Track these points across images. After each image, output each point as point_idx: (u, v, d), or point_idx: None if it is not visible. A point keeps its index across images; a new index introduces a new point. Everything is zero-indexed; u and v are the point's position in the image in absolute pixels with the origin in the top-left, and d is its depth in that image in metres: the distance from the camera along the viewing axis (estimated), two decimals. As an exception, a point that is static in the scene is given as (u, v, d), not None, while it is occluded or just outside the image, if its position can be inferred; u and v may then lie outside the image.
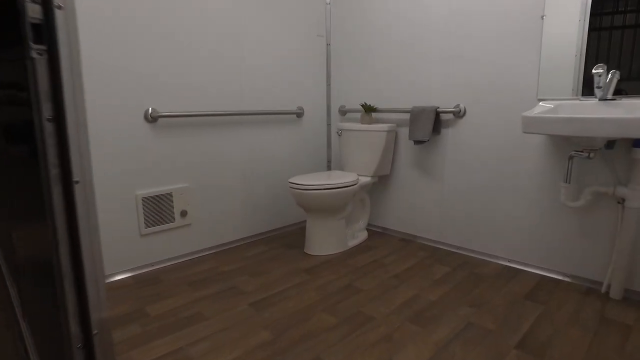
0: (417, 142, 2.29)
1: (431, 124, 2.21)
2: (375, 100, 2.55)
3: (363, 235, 2.53)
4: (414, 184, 2.45)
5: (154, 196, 2.05)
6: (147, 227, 2.05)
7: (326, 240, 2.28)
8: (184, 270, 2.08)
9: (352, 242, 2.41)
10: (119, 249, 1.98)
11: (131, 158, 1.96)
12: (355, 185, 2.26)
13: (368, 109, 2.47)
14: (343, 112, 2.75)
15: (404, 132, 2.45)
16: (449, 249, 2.34)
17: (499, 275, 1.99)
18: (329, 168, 2.93)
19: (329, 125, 2.86)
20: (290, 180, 2.20)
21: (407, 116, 2.42)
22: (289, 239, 2.56)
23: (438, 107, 2.21)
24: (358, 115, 2.69)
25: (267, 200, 2.56)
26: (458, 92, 2.18)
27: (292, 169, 2.68)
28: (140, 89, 1.94)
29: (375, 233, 2.65)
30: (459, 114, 2.19)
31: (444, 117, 2.26)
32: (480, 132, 2.12)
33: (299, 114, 2.64)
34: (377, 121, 2.58)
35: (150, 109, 1.98)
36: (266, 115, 2.46)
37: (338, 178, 2.22)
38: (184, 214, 2.17)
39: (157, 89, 2.00)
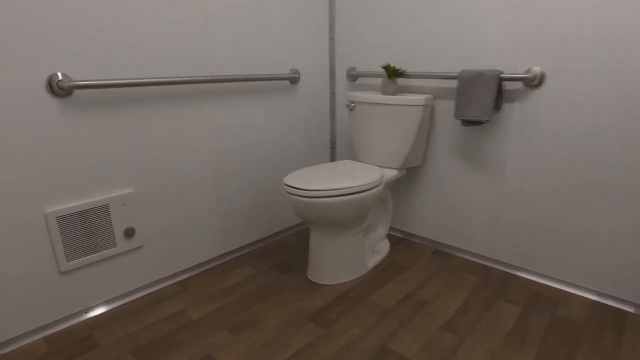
0: (468, 122, 1.60)
1: (491, 97, 1.51)
2: (401, 61, 1.82)
3: (384, 247, 1.88)
4: (457, 180, 1.78)
5: (76, 213, 1.32)
6: (69, 260, 1.33)
7: (338, 263, 1.61)
8: (132, 320, 1.39)
9: (372, 261, 1.75)
10: (24, 298, 1.26)
11: (30, 156, 1.20)
12: (379, 187, 1.58)
13: (393, 73, 1.74)
14: (353, 76, 2.01)
15: (444, 106, 1.75)
16: (505, 269, 1.71)
17: (595, 319, 1.39)
18: (332, 154, 2.22)
19: (332, 94, 2.12)
20: (286, 181, 1.49)
21: (449, 84, 1.71)
22: (283, 253, 1.88)
23: (502, 72, 1.51)
24: (374, 81, 1.95)
25: (250, 201, 1.86)
26: (531, 48, 1.47)
27: (283, 157, 1.96)
28: (38, 42, 1.16)
29: (399, 241, 2.00)
30: (532, 82, 1.49)
31: (508, 86, 1.56)
32: (567, 109, 1.44)
33: (293, 79, 1.88)
34: (404, 90, 1.86)
35: (58, 74, 1.21)
36: (246, 82, 1.71)
37: (354, 176, 1.53)
38: (129, 233, 1.45)
39: (69, 43, 1.21)
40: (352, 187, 1.45)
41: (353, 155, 2.16)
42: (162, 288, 1.58)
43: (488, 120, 1.54)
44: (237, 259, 1.82)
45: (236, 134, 1.72)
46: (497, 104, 1.56)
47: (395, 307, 1.46)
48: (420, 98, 1.63)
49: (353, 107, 1.81)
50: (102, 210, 1.37)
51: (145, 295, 1.53)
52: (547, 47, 1.44)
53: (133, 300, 1.50)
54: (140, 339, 1.30)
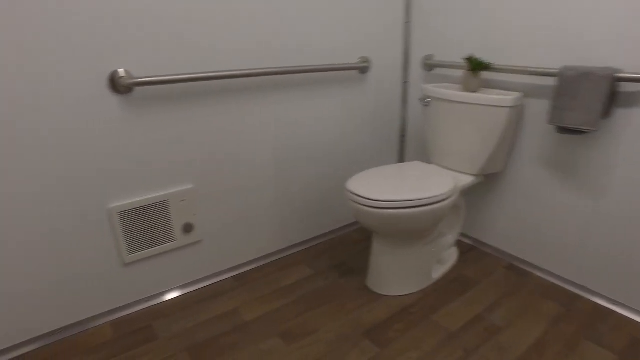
0: (566, 130, 1.36)
1: (601, 102, 1.26)
2: (487, 51, 1.59)
3: (452, 257, 1.72)
4: (543, 193, 1.55)
5: (137, 208, 1.33)
6: (131, 252, 1.36)
7: (401, 274, 1.50)
8: (189, 314, 1.40)
9: (438, 272, 1.61)
10: (92, 286, 1.31)
11: (92, 153, 1.21)
12: (453, 197, 1.41)
13: (477, 66, 1.53)
14: (429, 66, 1.81)
15: (536, 106, 1.50)
16: (595, 300, 1.48)
17: None
18: (401, 150, 2.05)
19: (405, 83, 1.93)
20: (350, 186, 1.38)
21: (544, 81, 1.46)
22: (343, 253, 1.79)
23: (618, 71, 1.24)
24: (453, 72, 1.74)
25: (311, 196, 1.78)
26: (661, 42, 1.19)
27: (348, 152, 1.84)
28: (99, 39, 1.13)
29: (469, 250, 1.83)
30: (658, 83, 1.22)
31: (625, 88, 1.29)
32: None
33: (363, 69, 1.73)
34: (488, 85, 1.64)
35: (119, 71, 1.18)
36: (312, 73, 1.59)
37: (425, 184, 1.37)
38: (188, 228, 1.45)
39: (130, 39, 1.18)
40: (422, 199, 1.31)
41: (424, 155, 1.98)
42: (218, 282, 1.58)
43: (594, 131, 1.30)
44: (295, 255, 1.78)
45: (299, 128, 1.63)
46: (607, 110, 1.31)
47: (461, 331, 1.33)
48: (507, 98, 1.41)
49: (428, 102, 1.63)
50: (162, 205, 1.37)
51: (203, 288, 1.54)
52: (683, 43, 1.15)
53: (191, 292, 1.52)
54: (196, 336, 1.30)
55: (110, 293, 1.36)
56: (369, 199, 1.31)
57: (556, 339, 1.30)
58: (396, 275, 1.49)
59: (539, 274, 1.63)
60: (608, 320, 1.39)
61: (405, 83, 1.91)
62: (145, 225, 1.35)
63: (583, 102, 1.29)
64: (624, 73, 1.23)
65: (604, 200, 1.39)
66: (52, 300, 1.25)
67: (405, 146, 2.05)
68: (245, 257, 1.65)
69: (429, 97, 1.62)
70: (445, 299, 1.48)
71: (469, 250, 1.82)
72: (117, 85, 1.18)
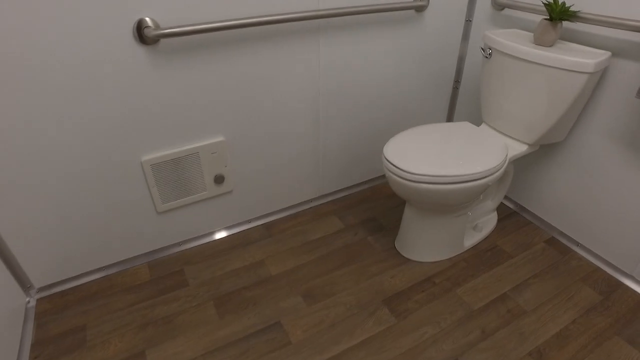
0: (654, 108, 1.13)
1: None
2: (577, -9, 1.28)
3: (490, 223, 1.63)
4: (607, 170, 1.36)
5: (169, 161, 1.32)
6: (164, 202, 1.39)
7: (431, 241, 1.45)
8: (218, 261, 1.46)
9: (472, 240, 1.54)
10: (130, 231, 1.39)
11: (122, 106, 1.17)
12: (502, 170, 1.28)
13: (560, 14, 1.24)
14: (499, 5, 1.50)
15: (624, 70, 1.24)
16: (639, 291, 1.39)
17: None
18: (452, 102, 1.83)
19: (468, 21, 1.65)
20: (387, 153, 1.28)
21: (636, 39, 1.18)
22: (376, 207, 1.75)
23: None
24: (526, 16, 1.44)
25: (349, 146, 1.68)
26: None
27: (395, 100, 1.67)
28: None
29: (509, 215, 1.71)
30: None
31: None
32: None
33: (420, 8, 1.47)
34: (567, 37, 1.35)
35: (146, 19, 1.08)
36: (360, 15, 1.37)
37: (472, 155, 1.23)
38: (219, 179, 1.45)
39: (150, -20, 1.05)
40: (465, 175, 1.19)
41: (477, 111, 1.77)
42: (249, 229, 1.62)
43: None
44: (328, 205, 1.76)
45: (341, 76, 1.48)
46: None
47: (483, 310, 1.31)
48: (590, 62, 1.16)
49: (490, 54, 1.39)
50: (193, 158, 1.35)
51: (233, 234, 1.59)
52: None
53: (222, 239, 1.57)
54: (222, 286, 1.38)
55: (147, 238, 1.44)
56: (403, 170, 1.21)
57: (584, 330, 1.25)
58: (426, 242, 1.45)
59: (582, 253, 1.52)
60: (648, 317, 1.30)
61: (467, 22, 1.63)
62: (176, 177, 1.36)
63: (684, 82, 1.04)
64: None
65: (680, 193, 1.20)
66: (94, 242, 1.35)
67: (457, 98, 1.83)
68: (277, 205, 1.66)
69: (490, 48, 1.38)
70: (473, 272, 1.44)
71: (509, 215, 1.71)
72: (143, 35, 1.09)
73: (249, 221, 1.63)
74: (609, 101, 1.30)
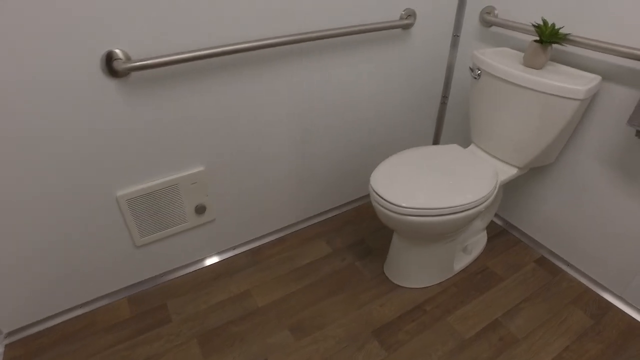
0: (646, 137, 1.10)
1: (703, 116, 0.98)
2: (564, 15, 1.24)
3: (479, 244, 1.60)
4: (597, 193, 1.34)
5: (146, 194, 1.25)
6: (143, 235, 1.33)
7: (420, 268, 1.42)
8: (202, 293, 1.41)
9: (461, 263, 1.52)
10: (106, 266, 1.32)
11: (93, 142, 1.10)
12: (492, 197, 1.25)
13: (550, 37, 1.20)
14: (487, 22, 1.46)
15: (615, 94, 1.20)
16: (631, 314, 1.36)
17: None
18: (440, 117, 1.78)
19: (455, 37, 1.60)
20: (374, 184, 1.23)
21: (633, 64, 1.14)
22: (363, 227, 1.70)
23: None
24: (515, 34, 1.39)
25: (334, 166, 1.63)
26: None
27: (380, 118, 1.62)
28: (89, 16, 0.93)
29: (498, 233, 1.69)
30: None
31: None
32: None
33: (406, 26, 1.42)
34: (557, 59, 1.31)
35: (115, 51, 1.01)
36: (343, 37, 1.30)
37: (462, 184, 1.19)
38: (201, 210, 1.39)
39: (123, 15, 0.97)
40: (458, 206, 1.15)
41: (465, 128, 1.73)
42: (233, 256, 1.56)
43: (681, 149, 1.04)
44: (314, 227, 1.71)
45: (326, 98, 1.42)
46: None
47: (475, 339, 1.28)
48: (581, 89, 1.13)
49: (479, 75, 1.35)
50: (172, 190, 1.29)
51: (218, 263, 1.54)
52: None
53: (206, 268, 1.52)
54: (206, 322, 1.33)
55: (126, 272, 1.37)
56: (391, 203, 1.17)
57: (577, 358, 1.23)
58: (415, 268, 1.41)
59: (572, 273, 1.50)
60: None
61: (455, 37, 1.58)
62: (155, 210, 1.29)
63: (678, 113, 1.01)
64: None
65: (671, 220, 1.19)
66: (69, 280, 1.28)
67: (445, 114, 1.79)
68: (262, 230, 1.61)
69: (480, 69, 1.34)
70: (464, 297, 1.41)
71: (498, 233, 1.68)
72: (113, 68, 1.02)
73: (234, 248, 1.58)
74: (598, 124, 1.27)
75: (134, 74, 1.06)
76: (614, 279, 1.39)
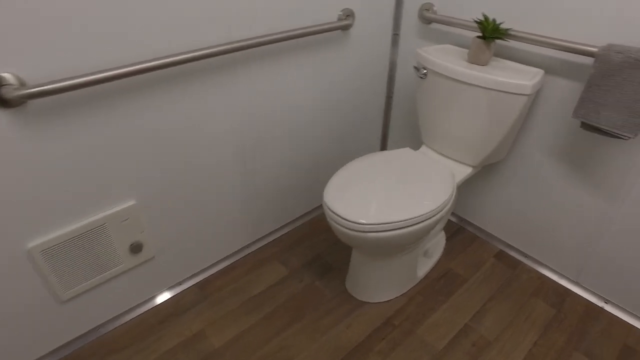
0: (596, 129, 1.10)
1: (647, 104, 0.99)
2: (504, 11, 1.22)
3: (439, 246, 1.56)
4: (548, 185, 1.35)
5: (66, 242, 1.06)
6: (68, 289, 1.13)
7: (383, 281, 1.35)
8: (147, 344, 1.23)
9: (424, 268, 1.47)
10: (27, 330, 1.11)
11: (-11, 193, 0.90)
12: (451, 202, 1.20)
13: (493, 32, 1.18)
14: (427, 19, 1.41)
15: (559, 88, 1.20)
16: (587, 298, 1.39)
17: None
18: (387, 117, 1.73)
19: (395, 35, 1.54)
20: (328, 201, 1.13)
21: (574, 58, 1.15)
22: (318, 242, 1.60)
23: (675, 64, 0.95)
24: (455, 30, 1.36)
25: (281, 181, 1.51)
26: None
27: (325, 124, 1.53)
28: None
29: (456, 232, 1.67)
30: None
31: (676, 83, 1.01)
32: None
33: (346, 27, 1.33)
34: (501, 54, 1.29)
35: (4, 76, 0.81)
36: (280, 43, 1.19)
37: (420, 192, 1.12)
38: (136, 248, 1.21)
39: (13, 31, 0.79)
40: (419, 216, 1.09)
41: (412, 127, 1.68)
42: (181, 292, 1.40)
43: (631, 138, 1.05)
44: (267, 248, 1.58)
45: (268, 108, 1.30)
46: (648, 108, 1.04)
47: (448, 349, 1.24)
48: (527, 84, 1.11)
49: (424, 74, 1.29)
50: (99, 231, 1.10)
51: (163, 303, 1.36)
52: None
53: (150, 310, 1.34)
54: (156, 377, 1.16)
55: (52, 333, 1.16)
56: (348, 221, 1.08)
57: (546, 351, 1.22)
58: (378, 281, 1.34)
59: (530, 264, 1.51)
60: (599, 323, 1.31)
61: (395, 35, 1.52)
62: (80, 257, 1.10)
63: (626, 99, 1.01)
64: (683, 67, 0.95)
65: (619, 204, 1.21)
66: (-22, 353, 1.06)
67: (391, 115, 1.74)
68: (210, 259, 1.45)
69: (425, 68, 1.28)
70: (431, 305, 1.37)
71: (456, 231, 1.67)
72: (3, 98, 0.82)
73: (180, 283, 1.41)
74: (544, 118, 1.27)
75: (31, 103, 0.87)
76: (569, 265, 1.42)
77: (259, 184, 1.44)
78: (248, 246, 1.56)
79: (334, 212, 1.10)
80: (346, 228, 1.09)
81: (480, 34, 1.20)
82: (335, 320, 1.31)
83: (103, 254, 1.14)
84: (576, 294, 1.41)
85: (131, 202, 1.14)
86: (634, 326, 1.31)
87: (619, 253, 1.27)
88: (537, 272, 1.49)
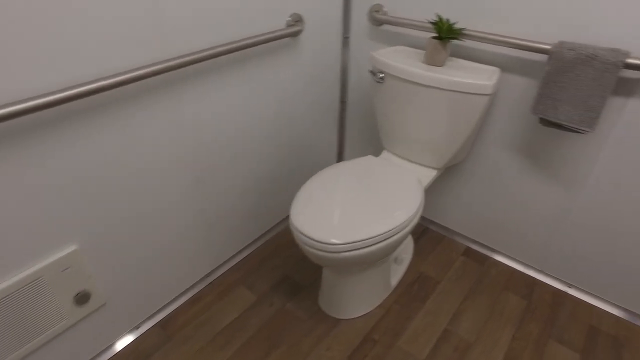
0: (554, 124, 1.11)
1: (604, 97, 1.01)
2: (456, 10, 1.20)
3: (408, 250, 1.54)
4: (508, 180, 1.36)
5: (-5, 305, 0.90)
6: (2, 358, 0.96)
7: (358, 296, 1.29)
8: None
9: (396, 275, 1.43)
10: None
11: None
12: (421, 209, 1.17)
13: (448, 32, 1.15)
14: (378, 21, 1.37)
15: (515, 85, 1.21)
16: (553, 285, 1.43)
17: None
18: (342, 124, 1.67)
19: (346, 38, 1.48)
20: (296, 222, 1.05)
21: (528, 55, 1.15)
22: (284, 260, 1.52)
23: (627, 54, 0.97)
24: (405, 31, 1.33)
25: (239, 199, 1.41)
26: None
27: (281, 135, 1.44)
28: None
29: (423, 233, 1.66)
30: (667, 73, 0.98)
31: (630, 74, 1.04)
32: None
33: (296, 33, 1.25)
34: (457, 54, 1.27)
35: None
36: (226, 56, 1.08)
37: (390, 203, 1.08)
38: (83, 299, 1.06)
39: None
40: (391, 230, 1.04)
41: (369, 131, 1.64)
42: (141, 336, 1.25)
43: (589, 132, 1.06)
44: (231, 273, 1.47)
45: (218, 126, 1.18)
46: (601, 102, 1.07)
47: (431, 357, 1.21)
48: (487, 84, 1.10)
49: (382, 78, 1.25)
50: (35, 286, 0.94)
51: (122, 351, 1.21)
52: None
53: (106, 361, 1.19)
54: None
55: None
56: (319, 242, 1.01)
57: (525, 344, 1.24)
58: (353, 296, 1.29)
59: (498, 257, 1.53)
60: (566, 307, 1.36)
61: (345, 39, 1.47)
62: (15, 319, 0.94)
63: (580, 94, 1.03)
64: (632, 58, 0.97)
65: (576, 194, 1.24)
66: None
67: (346, 121, 1.68)
68: (168, 295, 1.32)
69: (382, 72, 1.24)
70: (408, 313, 1.33)
71: (422, 233, 1.65)
72: None
73: (138, 327, 1.26)
74: (502, 115, 1.27)
75: None
76: (533, 255, 1.45)
77: (215, 208, 1.32)
78: (210, 274, 1.43)
79: (303, 234, 1.03)
80: (318, 250, 1.02)
81: (435, 35, 1.17)
82: (313, 344, 1.24)
83: (42, 312, 0.98)
84: (543, 282, 1.45)
85: (72, 248, 0.99)
86: (595, 306, 1.36)
87: (578, 239, 1.31)
88: (505, 265, 1.51)
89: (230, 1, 1.06)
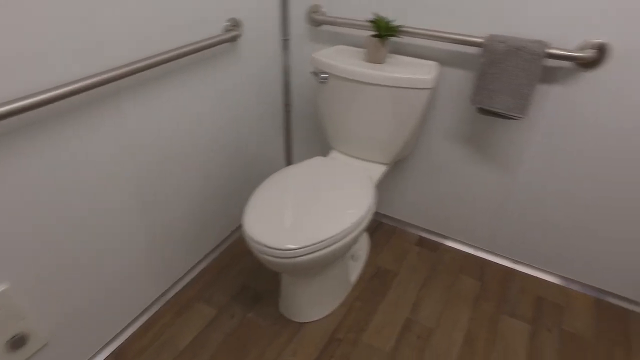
0: (490, 112, 1.17)
1: (533, 85, 1.07)
2: (392, 9, 1.22)
3: (364, 246, 1.56)
4: (452, 167, 1.41)
5: None
6: None
7: (319, 297, 1.29)
8: None
9: (355, 272, 1.44)
10: None
11: None
12: (374, 204, 1.18)
13: (387, 30, 1.17)
14: (316, 22, 1.36)
15: (452, 78, 1.25)
16: (501, 263, 1.51)
17: (600, 328, 1.29)
18: (287, 126, 1.64)
19: (285, 40, 1.46)
20: (250, 230, 1.02)
21: (462, 48, 1.20)
22: (241, 270, 1.47)
23: (548, 45, 1.04)
24: (343, 30, 1.33)
25: (190, 212, 1.35)
26: (595, 10, 1.01)
27: (229, 144, 1.39)
28: None
29: (377, 227, 1.68)
30: (587, 61, 1.06)
31: (551, 63, 1.11)
32: (629, 99, 1.08)
33: (234, 38, 1.21)
34: (396, 51, 1.29)
35: None
36: (161, 66, 1.02)
37: (342, 202, 1.08)
38: (19, 342, 0.95)
39: None
40: (347, 228, 1.04)
41: (316, 133, 1.64)
42: (91, 371, 1.17)
43: (522, 118, 1.13)
44: (187, 289, 1.40)
45: (154, 144, 1.11)
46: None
47: (396, 349, 1.23)
48: (427, 78, 1.13)
49: (325, 79, 1.24)
50: (-38, 335, 0.84)
51: (70, 389, 1.12)
52: (621, 12, 0.99)
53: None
54: None
55: None
56: (275, 249, 0.99)
57: (480, 324, 1.31)
58: (314, 298, 1.28)
59: (449, 243, 1.60)
60: (515, 283, 1.45)
61: (285, 41, 1.45)
62: (-62, 375, 0.83)
63: (513, 83, 1.09)
64: (553, 48, 1.04)
65: (514, 176, 1.32)
66: None
67: (292, 123, 1.66)
68: (120, 323, 1.23)
69: (326, 73, 1.23)
70: (370, 308, 1.35)
71: (377, 227, 1.68)
72: None
73: (91, 359, 1.17)
74: (443, 106, 1.32)
75: None
76: (482, 237, 1.52)
77: (164, 225, 1.25)
78: (164, 294, 1.36)
79: (258, 243, 1.00)
80: (274, 257, 1.00)
81: (374, 33, 1.18)
82: (278, 350, 1.22)
83: (-25, 361, 0.88)
84: (493, 262, 1.53)
85: (3, 287, 0.89)
86: (540, 278, 1.46)
87: (520, 218, 1.40)
88: (457, 250, 1.58)
89: (166, 10, 1.00)
